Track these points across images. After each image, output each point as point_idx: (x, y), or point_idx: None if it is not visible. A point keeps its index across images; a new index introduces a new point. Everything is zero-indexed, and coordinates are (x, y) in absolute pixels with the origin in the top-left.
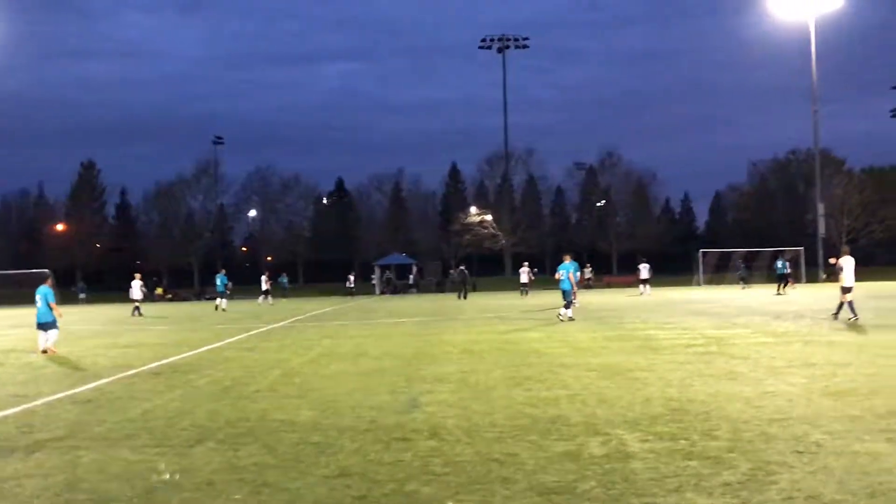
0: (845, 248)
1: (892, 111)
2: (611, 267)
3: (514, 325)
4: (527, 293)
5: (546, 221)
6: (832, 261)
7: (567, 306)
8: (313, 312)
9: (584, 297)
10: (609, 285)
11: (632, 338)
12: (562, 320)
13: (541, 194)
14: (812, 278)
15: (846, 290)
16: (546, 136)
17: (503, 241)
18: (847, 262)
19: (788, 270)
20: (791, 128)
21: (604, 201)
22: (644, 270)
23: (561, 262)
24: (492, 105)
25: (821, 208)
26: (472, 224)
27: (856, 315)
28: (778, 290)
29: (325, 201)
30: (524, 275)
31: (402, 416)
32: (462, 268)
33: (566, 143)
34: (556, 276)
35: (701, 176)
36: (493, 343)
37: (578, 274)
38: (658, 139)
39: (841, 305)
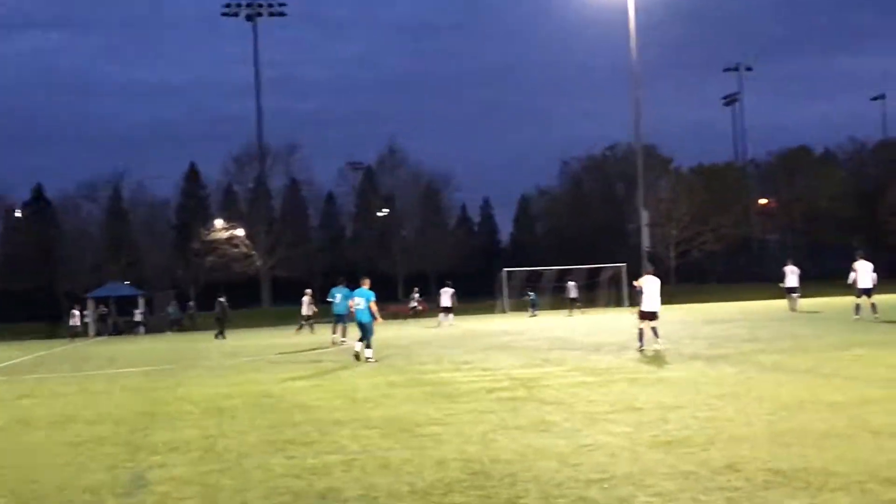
0: (648, 267)
1: (724, 98)
2: (395, 291)
3: (275, 371)
4: (450, 320)
5: (314, 236)
6: (636, 284)
7: (368, 344)
8: (2, 363)
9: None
10: (396, 315)
11: (422, 382)
12: (369, 361)
13: (307, 202)
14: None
15: (645, 316)
16: (312, 127)
17: (258, 263)
18: (649, 284)
19: (574, 294)
20: (609, 121)
21: (386, 210)
22: (446, 297)
23: (336, 285)
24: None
25: (645, 216)
26: (217, 241)
27: (642, 344)
28: (570, 312)
29: (17, 214)
30: (446, 296)
31: (124, 499)
32: (221, 299)
33: (338, 137)
34: (351, 303)
35: (504, 178)
36: (249, 397)
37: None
38: (451, 133)
39: (641, 334)
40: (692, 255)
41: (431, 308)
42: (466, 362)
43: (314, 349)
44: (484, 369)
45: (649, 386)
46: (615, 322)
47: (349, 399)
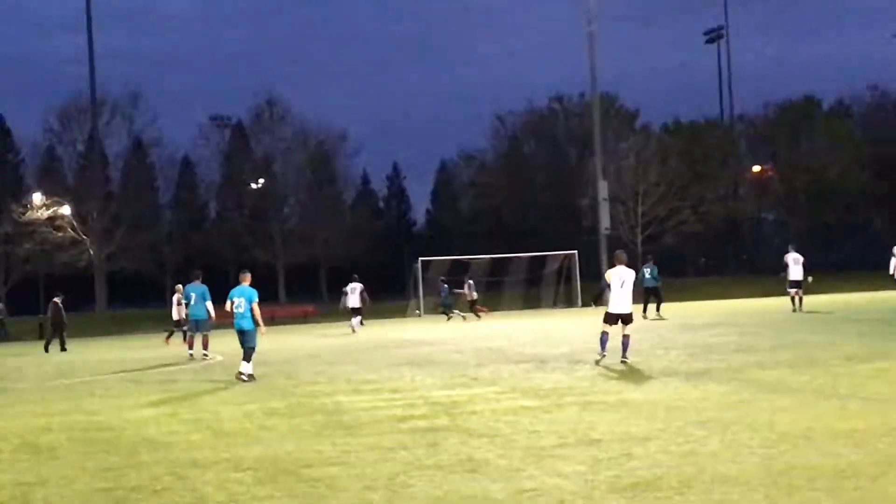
0: (619, 254)
1: (706, 34)
2: (275, 289)
3: (115, 396)
4: (359, 324)
5: (165, 216)
6: (607, 277)
7: (247, 357)
8: None
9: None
10: (273, 319)
11: (312, 409)
12: (242, 378)
13: (155, 171)
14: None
15: (613, 319)
16: (164, 71)
17: (91, 252)
18: (620, 277)
19: (474, 296)
20: (557, 66)
21: (262, 181)
22: (354, 295)
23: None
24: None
25: (603, 188)
26: (35, 223)
27: (603, 351)
28: (448, 315)
29: None
30: (354, 294)
31: None
32: (57, 299)
33: (198, 85)
34: (228, 305)
35: (418, 139)
36: (78, 430)
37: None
38: (348, 81)
39: (605, 339)
40: (665, 239)
41: (323, 311)
42: (370, 382)
43: (168, 365)
44: (393, 391)
45: (609, 411)
46: (565, 328)
47: (214, 432)
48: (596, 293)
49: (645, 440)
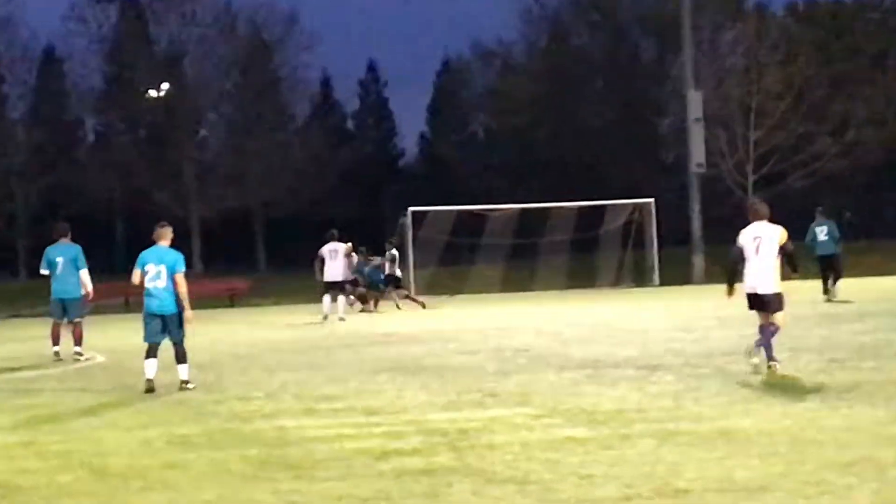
0: (756, 204)
1: None
2: (187, 255)
3: None
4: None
5: (15, 138)
6: (740, 241)
7: (182, 355)
8: None
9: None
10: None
11: (243, 438)
12: (188, 389)
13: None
14: (680, 276)
15: (750, 303)
16: None
17: None
18: (753, 239)
19: (397, 272)
20: None
21: (166, 87)
22: (334, 263)
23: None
24: None
25: (695, 102)
26: None
27: (772, 356)
28: (372, 304)
29: None
30: (337, 259)
31: None
32: None
33: None
34: (137, 276)
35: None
36: None
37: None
38: None
39: (767, 335)
40: (790, 182)
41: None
42: (331, 398)
43: (21, 369)
44: (368, 412)
45: (702, 446)
46: (635, 318)
47: (93, 472)
48: (729, 267)
49: (758, 492)
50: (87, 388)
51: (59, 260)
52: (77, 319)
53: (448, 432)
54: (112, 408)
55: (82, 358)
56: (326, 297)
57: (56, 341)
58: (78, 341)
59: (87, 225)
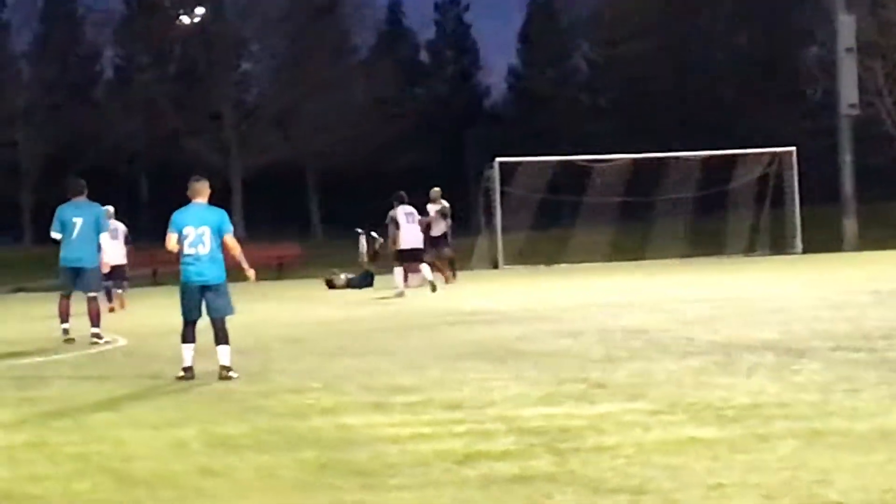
0: None
1: None
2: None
3: None
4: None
5: (20, 77)
6: None
7: (223, 336)
8: None
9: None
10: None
11: (298, 438)
12: (231, 377)
13: None
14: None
15: None
16: None
17: None
18: None
19: (447, 238)
20: None
21: (199, 11)
22: (410, 227)
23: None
24: None
25: (847, 26)
26: None
27: None
28: (446, 278)
29: None
30: (411, 226)
31: None
32: None
33: None
34: (172, 243)
35: None
36: None
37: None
38: None
39: None
40: None
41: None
42: (405, 390)
43: (26, 354)
44: (449, 406)
45: (860, 450)
46: (772, 292)
47: (116, 479)
48: None
49: None
50: (107, 376)
51: (77, 221)
52: (93, 294)
53: (546, 431)
54: (137, 401)
55: (101, 341)
56: (398, 270)
57: (65, 317)
58: (95, 321)
59: (104, 180)
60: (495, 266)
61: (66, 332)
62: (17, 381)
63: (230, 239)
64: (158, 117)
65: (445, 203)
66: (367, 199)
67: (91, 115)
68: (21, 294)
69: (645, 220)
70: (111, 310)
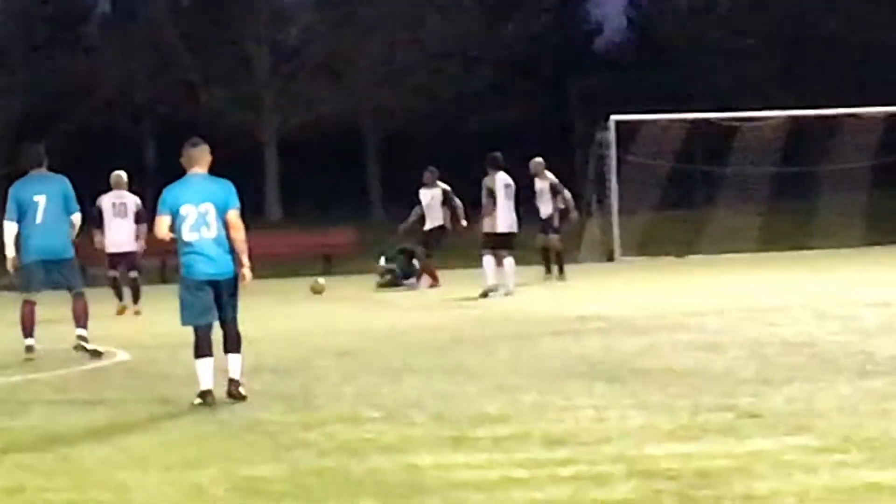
0: None
1: None
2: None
3: None
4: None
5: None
6: None
7: (237, 345)
8: None
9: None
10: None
11: (352, 482)
12: (241, 395)
13: None
14: None
15: None
16: None
17: None
18: None
19: (554, 221)
20: None
21: None
22: (508, 203)
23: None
24: None
25: None
26: None
27: None
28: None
29: None
30: (511, 199)
31: None
32: None
33: None
34: (164, 228)
35: None
36: None
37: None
38: None
39: None
40: None
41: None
42: (492, 418)
43: (8, 370)
44: (552, 441)
45: None
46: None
47: None
48: None
49: None
50: (103, 401)
51: (39, 200)
52: (79, 291)
53: (679, 475)
54: (142, 434)
55: (89, 347)
56: (489, 258)
57: (30, 330)
58: (82, 320)
59: (99, 142)
60: (610, 258)
61: (29, 349)
62: None
63: (234, 217)
64: (168, 64)
65: (552, 176)
66: (441, 169)
67: (81, 60)
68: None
69: (806, 197)
70: (120, 312)
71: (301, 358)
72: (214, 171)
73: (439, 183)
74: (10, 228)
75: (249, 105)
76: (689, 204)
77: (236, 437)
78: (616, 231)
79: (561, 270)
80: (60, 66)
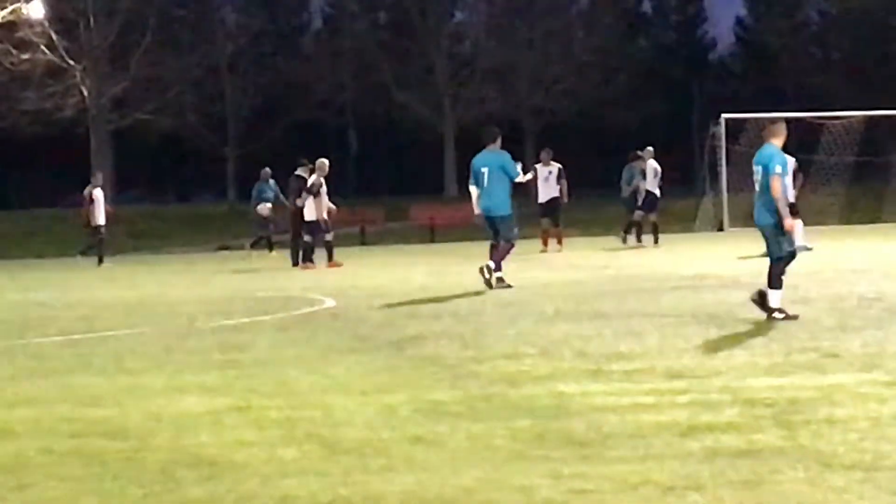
0: None
1: None
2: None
3: (129, 370)
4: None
5: (224, 26)
6: None
7: (499, 259)
8: None
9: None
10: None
11: (510, 406)
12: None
13: None
14: None
15: None
16: None
17: (85, 93)
18: None
19: (641, 196)
20: None
21: None
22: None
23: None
24: None
25: None
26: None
27: None
28: (638, 237)
29: None
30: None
31: None
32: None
33: None
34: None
35: None
36: (63, 434)
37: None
38: None
39: None
40: None
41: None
42: (624, 357)
43: (235, 314)
44: (671, 375)
45: None
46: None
47: (323, 446)
48: None
49: None
50: (314, 339)
51: (484, 171)
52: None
53: (774, 403)
54: (344, 365)
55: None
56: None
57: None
58: (495, 258)
59: (312, 133)
60: (720, 228)
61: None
62: (220, 344)
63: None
64: (368, 69)
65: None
66: (588, 158)
67: (299, 66)
68: (225, 252)
69: (880, 180)
70: (306, 267)
71: (471, 307)
72: (403, 158)
73: (553, 162)
74: (473, 191)
75: (432, 104)
76: None
77: (421, 368)
78: (725, 207)
79: (656, 241)
80: (282, 72)
